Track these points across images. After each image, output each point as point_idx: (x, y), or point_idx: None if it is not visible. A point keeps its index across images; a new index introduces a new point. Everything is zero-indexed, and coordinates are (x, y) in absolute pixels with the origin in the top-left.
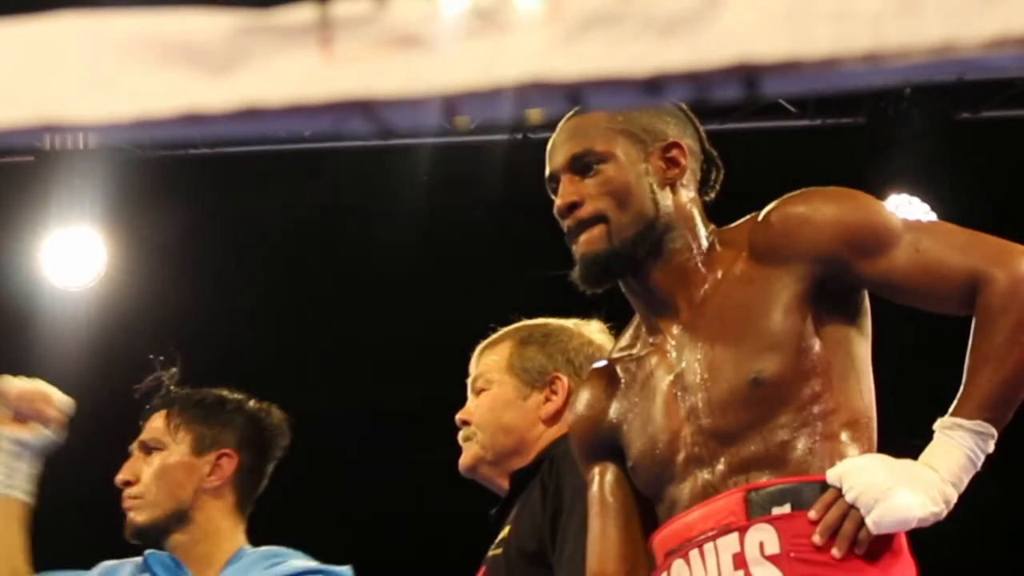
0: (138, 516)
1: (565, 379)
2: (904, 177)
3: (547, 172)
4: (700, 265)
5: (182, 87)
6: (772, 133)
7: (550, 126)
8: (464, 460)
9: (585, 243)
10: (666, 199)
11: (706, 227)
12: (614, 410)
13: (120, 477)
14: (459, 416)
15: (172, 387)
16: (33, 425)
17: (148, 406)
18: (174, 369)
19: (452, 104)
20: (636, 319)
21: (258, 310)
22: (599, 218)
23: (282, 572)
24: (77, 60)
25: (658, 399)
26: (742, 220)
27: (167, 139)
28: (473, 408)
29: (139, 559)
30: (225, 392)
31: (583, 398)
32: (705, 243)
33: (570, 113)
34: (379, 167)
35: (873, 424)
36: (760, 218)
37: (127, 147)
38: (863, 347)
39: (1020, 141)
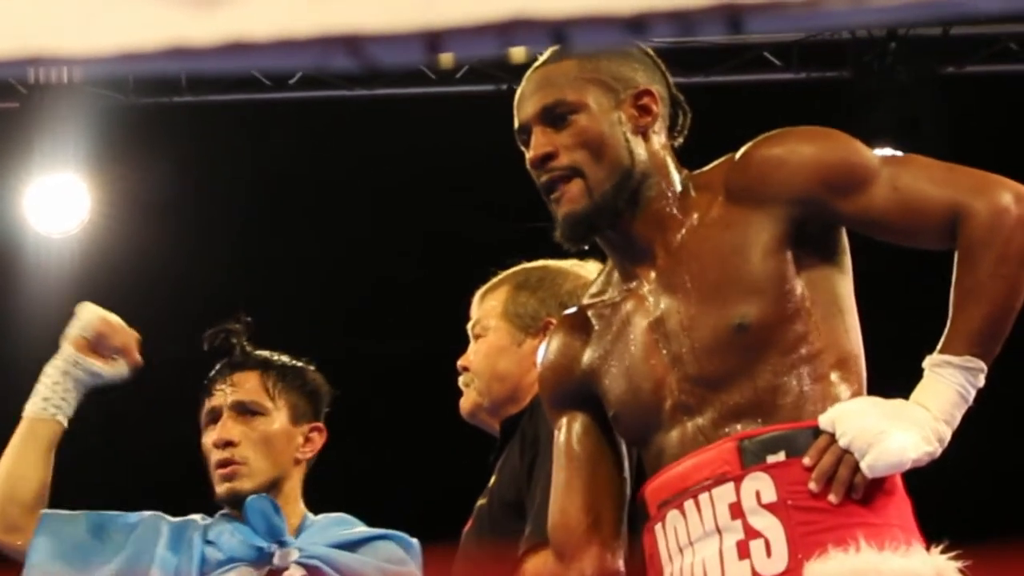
0: (244, 483)
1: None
2: (888, 131)
3: (516, 124)
4: (676, 211)
5: (168, 20)
6: (756, 86)
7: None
8: (464, 406)
9: (566, 202)
10: (639, 147)
11: (679, 172)
12: (588, 357)
13: (220, 436)
14: (460, 362)
15: (246, 345)
16: (113, 360)
17: (227, 362)
18: (244, 325)
19: (436, 41)
20: (607, 266)
21: (240, 258)
22: (575, 171)
23: (361, 535)
24: None
25: (637, 346)
26: (717, 162)
27: (153, 73)
28: (472, 354)
29: (196, 517)
30: (295, 360)
31: (552, 346)
32: (680, 188)
33: (537, 62)
34: (363, 116)
35: (861, 362)
36: (736, 160)
37: (111, 93)
38: (845, 285)
39: (1003, 96)
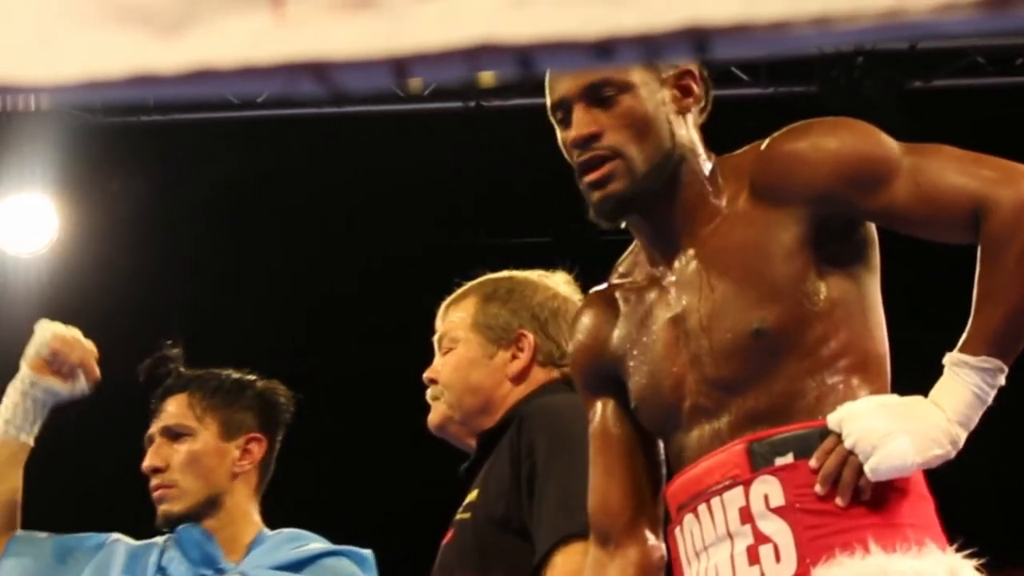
0: (174, 506)
1: (531, 336)
2: None
3: (553, 98)
4: (705, 198)
5: (132, 48)
6: (724, 102)
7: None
8: (432, 419)
9: (604, 181)
10: (681, 129)
11: (708, 157)
12: (616, 340)
13: (148, 464)
14: (426, 375)
15: (181, 369)
16: (72, 378)
17: (161, 389)
18: (178, 351)
19: (403, 67)
20: (635, 246)
21: (207, 276)
22: (617, 153)
23: (309, 552)
24: (25, 20)
25: (659, 340)
26: (745, 149)
27: (118, 101)
28: (440, 367)
29: (158, 540)
30: (236, 373)
31: (583, 324)
32: (709, 174)
33: None
34: (329, 133)
35: (885, 361)
36: (761, 152)
37: (79, 113)
38: (870, 282)
39: (970, 110)
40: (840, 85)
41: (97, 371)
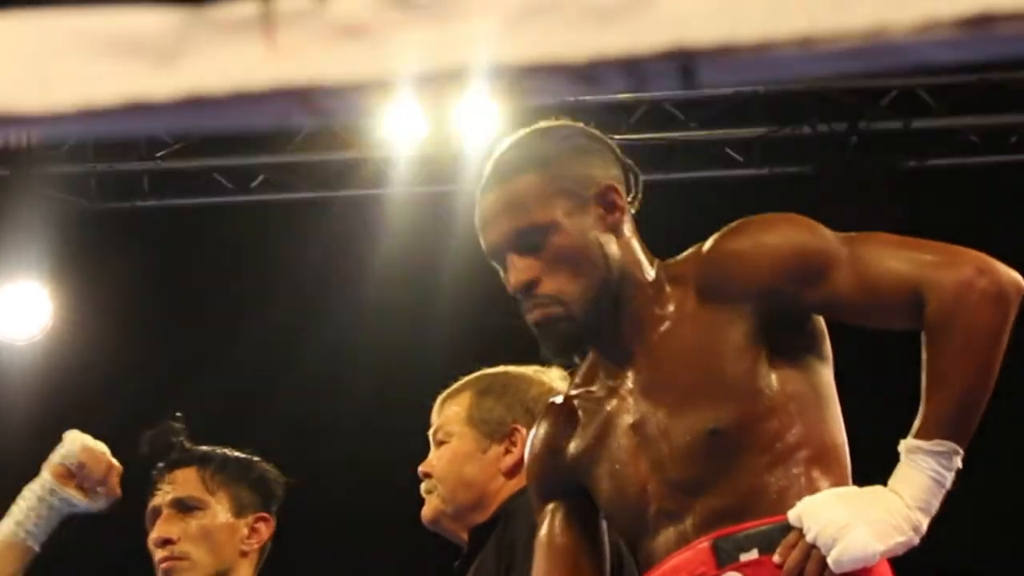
0: None
1: (524, 430)
2: (852, 226)
3: (486, 248)
4: (651, 307)
5: (127, 77)
6: (719, 183)
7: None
8: (426, 513)
9: (548, 326)
10: (612, 246)
11: (651, 263)
12: (574, 449)
13: (158, 535)
14: (421, 468)
15: (186, 443)
16: (92, 493)
17: (167, 461)
18: (182, 425)
19: (391, 93)
20: (592, 355)
21: (205, 363)
22: (557, 300)
23: None
24: (20, 53)
25: (621, 448)
26: (688, 253)
27: (113, 134)
28: (434, 461)
29: None
30: (240, 452)
31: (540, 434)
32: (653, 281)
33: (491, 174)
34: (328, 217)
35: (843, 450)
36: (702, 255)
37: (74, 198)
38: (823, 372)
39: (966, 189)
40: (834, 165)
41: (119, 490)
